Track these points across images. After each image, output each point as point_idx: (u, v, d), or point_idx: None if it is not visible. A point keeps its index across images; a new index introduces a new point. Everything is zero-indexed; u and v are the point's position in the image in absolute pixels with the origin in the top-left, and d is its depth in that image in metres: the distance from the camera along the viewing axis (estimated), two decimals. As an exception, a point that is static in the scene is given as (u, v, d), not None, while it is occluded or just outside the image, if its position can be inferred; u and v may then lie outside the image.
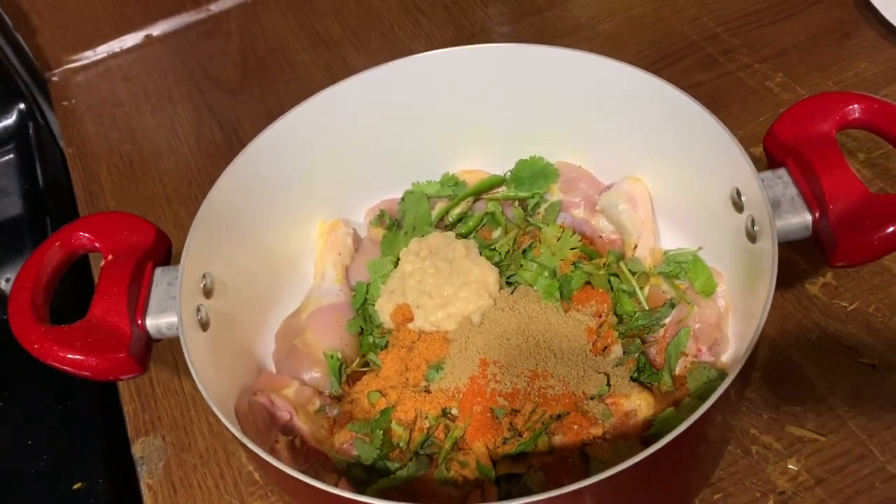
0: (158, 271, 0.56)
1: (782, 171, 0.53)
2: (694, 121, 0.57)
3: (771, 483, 0.57)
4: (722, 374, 0.56)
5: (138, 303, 0.54)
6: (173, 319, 0.53)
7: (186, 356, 0.49)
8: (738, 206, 0.54)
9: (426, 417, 0.55)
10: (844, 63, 0.84)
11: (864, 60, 0.84)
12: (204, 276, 0.56)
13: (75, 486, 0.67)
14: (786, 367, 0.62)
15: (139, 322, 0.53)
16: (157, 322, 0.54)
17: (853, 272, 0.66)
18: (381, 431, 0.54)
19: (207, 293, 0.56)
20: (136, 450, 0.66)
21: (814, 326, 0.64)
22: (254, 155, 0.62)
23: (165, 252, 0.58)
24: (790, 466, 0.57)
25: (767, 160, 0.58)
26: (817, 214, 0.51)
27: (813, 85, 0.83)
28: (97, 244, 0.56)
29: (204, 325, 0.54)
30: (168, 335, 0.54)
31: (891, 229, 0.47)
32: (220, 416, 0.46)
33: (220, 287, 0.58)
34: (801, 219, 0.51)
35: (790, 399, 0.60)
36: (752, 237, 0.52)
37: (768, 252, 0.48)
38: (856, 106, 0.53)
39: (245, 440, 0.44)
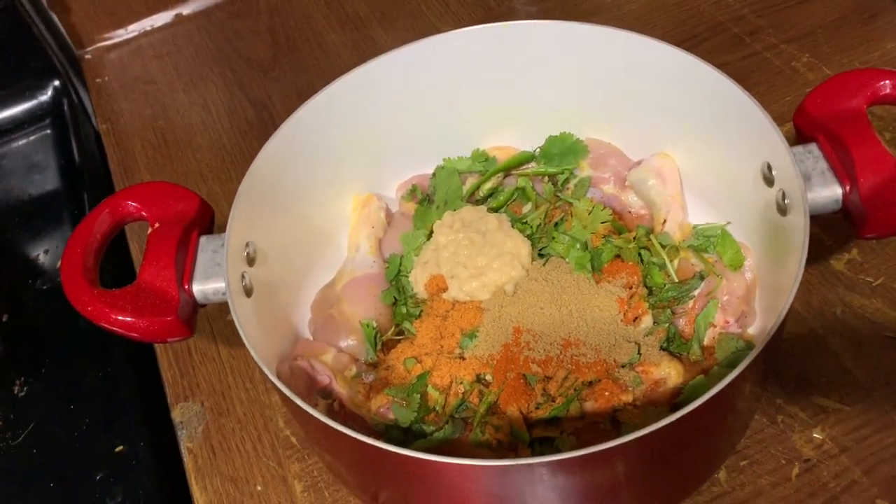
0: (203, 239, 0.58)
1: (813, 146, 0.54)
2: (726, 97, 0.58)
3: (796, 451, 0.58)
4: (749, 346, 0.58)
5: (185, 269, 0.56)
6: (220, 285, 0.55)
7: (235, 319, 0.51)
8: (769, 181, 0.55)
9: (461, 383, 0.57)
10: (871, 44, 0.85)
11: (890, 41, 0.85)
12: (247, 245, 0.58)
13: (117, 449, 0.69)
14: (810, 340, 0.63)
15: (186, 287, 0.55)
16: (203, 287, 0.55)
17: (878, 249, 0.68)
18: (418, 395, 0.56)
19: (251, 261, 0.58)
20: (176, 414, 0.68)
21: (838, 301, 0.65)
22: (290, 131, 0.63)
23: (209, 221, 0.60)
24: (815, 435, 0.58)
25: (797, 136, 0.59)
26: (848, 188, 0.52)
27: (839, 65, 0.83)
28: (144, 213, 0.58)
29: (248, 292, 0.56)
30: (214, 300, 0.56)
31: (922, 202, 0.48)
32: (268, 374, 0.48)
33: (262, 256, 0.60)
34: (831, 192, 0.52)
35: (815, 371, 0.62)
36: (782, 210, 0.54)
37: (799, 226, 0.49)
38: (887, 82, 0.54)
39: (293, 396, 0.46)
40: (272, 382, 0.48)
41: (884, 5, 0.88)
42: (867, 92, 0.54)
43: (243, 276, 0.56)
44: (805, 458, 0.58)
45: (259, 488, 0.63)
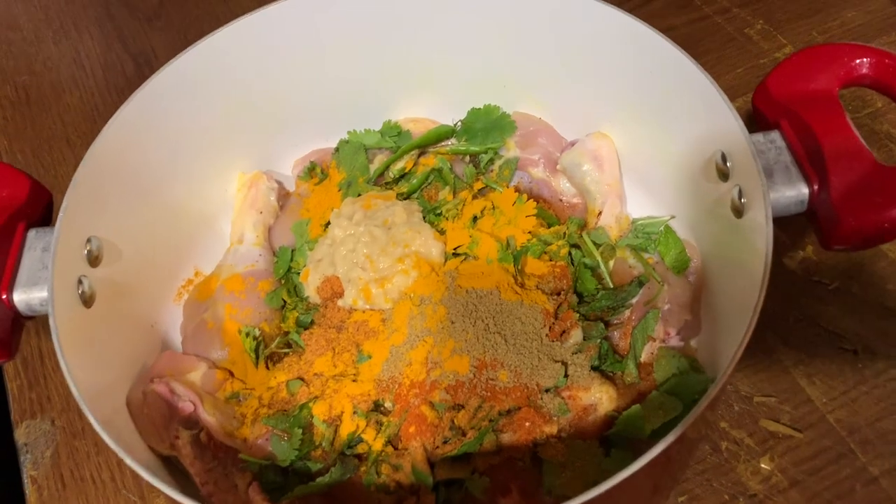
0: (32, 234, 0.46)
1: (775, 135, 0.46)
2: (673, 69, 0.49)
3: (741, 484, 0.51)
4: (692, 363, 0.49)
5: (4, 272, 0.44)
6: (46, 294, 0.43)
7: (56, 343, 0.40)
8: (724, 174, 0.47)
9: (355, 412, 0.47)
10: (830, 11, 0.77)
11: (850, 9, 0.77)
12: (88, 241, 0.47)
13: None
14: (761, 351, 0.56)
15: (4, 297, 0.44)
16: (27, 297, 0.44)
17: (835, 246, 0.60)
18: (300, 430, 0.46)
19: (94, 261, 0.47)
20: (20, 435, 0.57)
21: (791, 306, 0.58)
22: (156, 93, 0.52)
23: (43, 210, 0.49)
24: (763, 466, 0.51)
25: (757, 121, 0.50)
26: (816, 187, 0.43)
27: (795, 34, 0.75)
28: (-47, 198, 0.46)
29: (87, 301, 0.45)
30: (42, 312, 0.45)
31: (905, 209, 0.40)
32: (90, 418, 0.37)
33: (111, 253, 0.49)
34: (796, 192, 0.44)
35: (765, 389, 0.54)
36: (738, 211, 0.45)
37: (760, 231, 0.41)
38: (865, 60, 0.45)
39: (122, 455, 0.36)
40: (98, 433, 0.37)
41: (845, -31, 0.79)
42: (840, 71, 0.46)
43: (80, 282, 0.45)
44: (751, 493, 0.50)
45: (115, 528, 0.53)
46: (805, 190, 0.44)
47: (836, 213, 0.42)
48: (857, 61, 0.45)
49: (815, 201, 0.43)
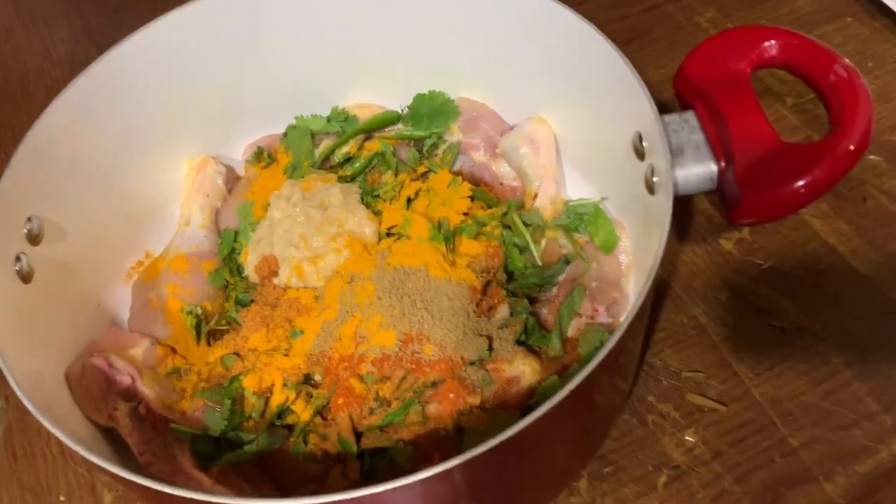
0: (-27, 214, 0.48)
1: (690, 115, 0.47)
2: (601, 57, 0.50)
3: (666, 456, 0.52)
4: (618, 338, 0.51)
5: (-56, 250, 0.46)
6: (-19, 271, 0.45)
7: (-14, 315, 0.42)
8: (640, 153, 0.48)
9: (286, 384, 0.49)
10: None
11: (800, -3, 0.78)
12: (29, 220, 0.48)
13: None
14: (691, 328, 0.57)
15: (-61, 273, 0.46)
16: (-35, 274, 0.46)
17: (770, 226, 0.61)
18: (230, 400, 0.48)
19: (33, 239, 0.49)
20: (-25, 412, 0.59)
21: (724, 285, 0.59)
22: (102, 76, 0.54)
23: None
24: (687, 438, 0.53)
25: (679, 102, 0.51)
26: (723, 164, 0.45)
27: (745, 21, 0.77)
28: None
29: (25, 277, 0.47)
30: (-21, 289, 0.46)
31: (800, 183, 0.42)
32: (17, 391, 0.39)
33: (55, 232, 0.50)
34: (705, 168, 0.45)
35: (693, 364, 0.56)
36: (650, 188, 0.46)
37: (663, 206, 0.42)
38: (773, 42, 0.47)
39: (41, 417, 0.38)
40: (21, 400, 0.39)
41: (795, -43, 0.81)
42: (752, 54, 0.47)
43: (18, 258, 0.47)
44: (674, 465, 0.52)
45: (62, 498, 0.54)
46: (714, 168, 0.45)
47: (739, 188, 0.43)
48: (767, 43, 0.47)
49: (723, 179, 0.45)
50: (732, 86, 0.46)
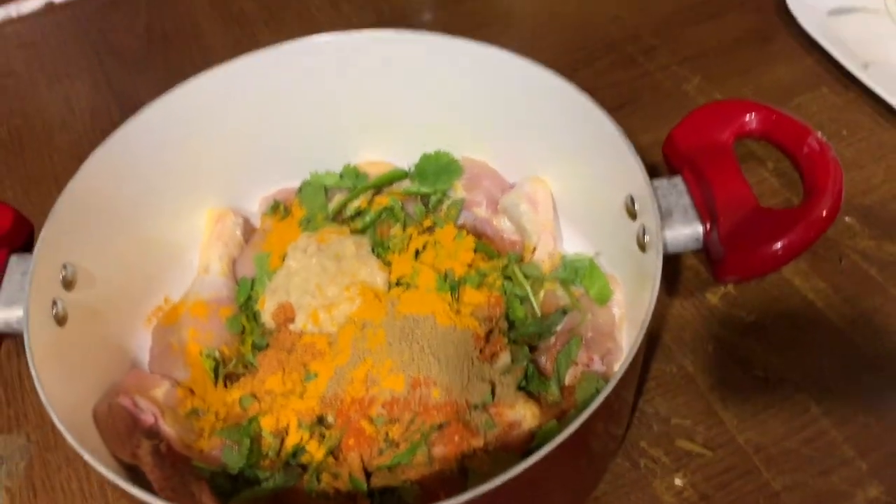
0: (14, 259, 0.52)
1: (678, 180, 0.52)
2: (595, 123, 0.55)
3: (657, 499, 0.55)
4: (612, 385, 0.54)
5: (-13, 293, 0.50)
6: (21, 313, 0.48)
7: (28, 354, 0.45)
8: (632, 214, 0.52)
9: (300, 425, 0.52)
10: (763, 68, 0.84)
11: (783, 66, 0.84)
12: (64, 267, 0.52)
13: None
14: (680, 378, 0.61)
15: (-15, 316, 0.49)
16: (6, 315, 0.49)
17: (754, 283, 0.66)
18: (248, 439, 0.51)
19: (68, 285, 0.52)
20: (-3, 448, 0.62)
21: (711, 337, 0.63)
22: (132, 135, 0.58)
23: (25, 238, 0.54)
24: (677, 481, 0.56)
25: (667, 167, 0.56)
26: (708, 226, 0.49)
27: (731, 89, 0.82)
28: (-55, 228, 0.52)
29: (60, 320, 0.50)
30: (19, 330, 0.50)
31: (777, 245, 0.46)
32: (56, 421, 0.42)
33: (86, 278, 0.54)
34: (692, 230, 0.50)
35: (682, 411, 0.59)
36: (642, 246, 0.51)
37: (654, 263, 0.46)
38: (753, 115, 0.52)
39: (82, 451, 0.41)
40: (61, 432, 0.42)
41: (776, 30, 0.87)
42: (734, 125, 0.52)
43: (55, 303, 0.50)
44: (664, 506, 0.55)
45: (80, 533, 0.57)
46: (700, 229, 0.49)
47: (723, 248, 0.47)
48: (748, 117, 0.52)
49: (708, 239, 0.49)
50: (717, 154, 0.51)
